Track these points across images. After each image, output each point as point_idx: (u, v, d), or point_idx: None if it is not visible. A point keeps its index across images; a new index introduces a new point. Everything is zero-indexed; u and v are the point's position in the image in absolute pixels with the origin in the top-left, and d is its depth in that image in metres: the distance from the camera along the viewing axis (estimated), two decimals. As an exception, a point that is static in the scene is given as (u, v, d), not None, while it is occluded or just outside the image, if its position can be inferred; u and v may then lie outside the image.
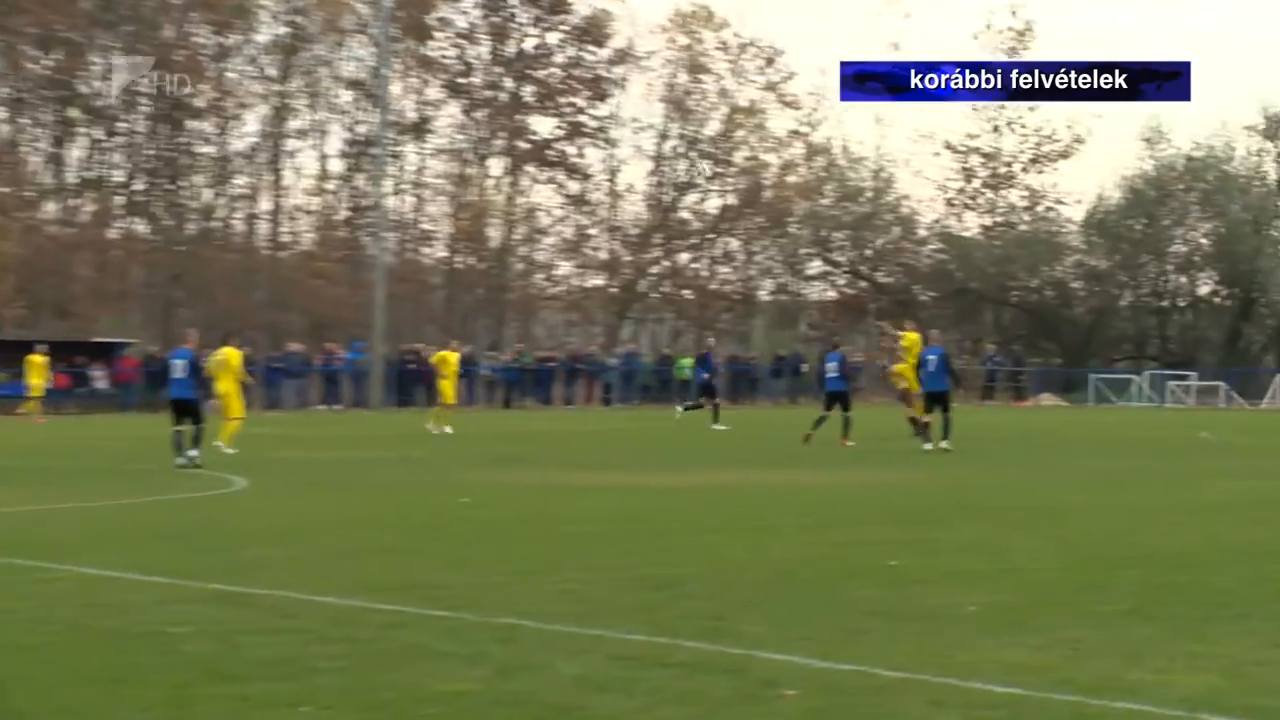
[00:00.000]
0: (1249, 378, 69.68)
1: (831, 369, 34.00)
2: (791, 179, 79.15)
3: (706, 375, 41.25)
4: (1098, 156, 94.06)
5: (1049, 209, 78.57)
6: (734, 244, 79.84)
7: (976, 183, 78.47)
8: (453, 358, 39.17)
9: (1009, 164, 78.01)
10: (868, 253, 79.39)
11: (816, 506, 19.65)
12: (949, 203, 78.91)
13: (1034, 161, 77.85)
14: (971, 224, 79.57)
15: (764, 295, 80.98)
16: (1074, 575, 13.32)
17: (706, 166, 77.67)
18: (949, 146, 77.85)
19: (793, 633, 10.60)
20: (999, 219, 78.80)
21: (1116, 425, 43.71)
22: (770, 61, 76.72)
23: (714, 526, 17.18)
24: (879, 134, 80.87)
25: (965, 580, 12.99)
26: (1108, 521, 17.72)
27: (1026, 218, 78.58)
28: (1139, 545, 15.43)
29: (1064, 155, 77.61)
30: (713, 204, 78.59)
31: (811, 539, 15.98)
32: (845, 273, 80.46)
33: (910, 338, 34.74)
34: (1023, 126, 77.26)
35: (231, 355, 29.70)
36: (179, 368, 27.63)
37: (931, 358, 32.10)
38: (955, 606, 11.65)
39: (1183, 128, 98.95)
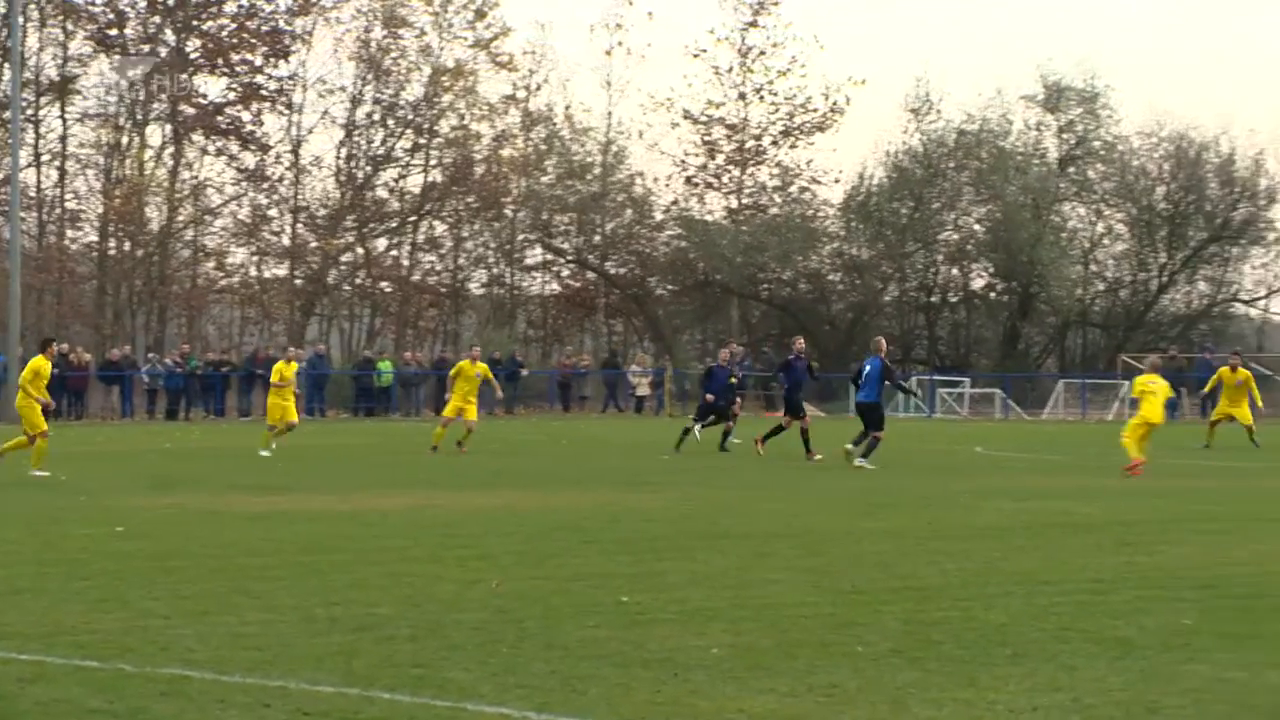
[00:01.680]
0: (1029, 384, 71.63)
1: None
2: (507, 153, 79.17)
3: (710, 396, 40.04)
4: (859, 130, 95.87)
5: (803, 190, 79.68)
6: (440, 228, 79.61)
7: (721, 159, 79.33)
8: (290, 370, 38.08)
9: (758, 137, 79.03)
10: (596, 239, 79.83)
11: (538, 533, 19.77)
12: (689, 182, 79.62)
13: (786, 135, 78.90)
14: (715, 207, 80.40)
15: (476, 288, 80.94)
16: (830, 612, 13.62)
17: (407, 137, 77.39)
18: (689, 116, 78.64)
19: (508, 681, 10.69)
20: (747, 201, 79.76)
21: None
22: (481, 15, 76.63)
23: (418, 557, 17.19)
24: (609, 100, 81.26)
25: (707, 618, 13.20)
26: (868, 550, 18.13)
27: (778, 199, 79.62)
28: (903, 577, 15.83)
29: (820, 128, 78.78)
30: (415, 181, 78.30)
31: (531, 571, 16.09)
32: (570, 262, 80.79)
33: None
34: (773, 94, 78.31)
35: None
36: None
37: (868, 368, 33.42)
38: (696, 649, 11.84)
39: (954, 97, 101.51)
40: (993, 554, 17.71)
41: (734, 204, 79.70)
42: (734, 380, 40.18)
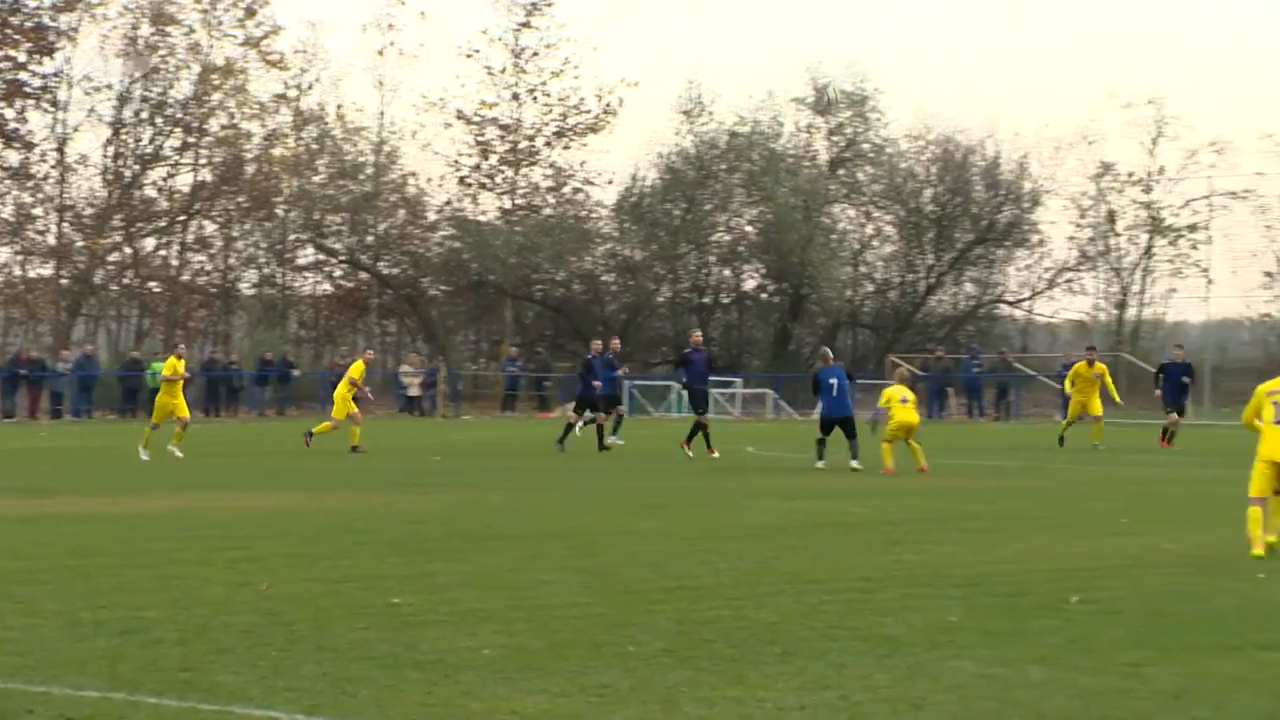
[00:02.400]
0: (800, 384, 72.32)
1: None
2: (278, 152, 78.45)
3: (597, 384, 39.56)
4: (632, 131, 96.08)
5: (577, 191, 79.90)
6: (210, 228, 78.69)
7: (494, 159, 79.26)
8: (181, 365, 36.57)
9: (531, 138, 79.07)
10: (369, 239, 79.38)
11: (309, 535, 19.62)
12: (463, 182, 79.44)
13: (559, 136, 79.05)
14: (489, 207, 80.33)
15: (246, 289, 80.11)
16: (602, 612, 13.66)
17: (176, 136, 76.36)
18: (462, 117, 78.47)
19: (278, 684, 10.61)
20: (520, 201, 79.78)
21: (652, 439, 44.77)
22: (251, 14, 75.86)
23: (187, 560, 16.99)
24: (381, 100, 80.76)
25: (479, 620, 13.20)
26: (641, 550, 18.22)
27: (552, 200, 79.74)
28: (675, 577, 15.92)
29: (593, 129, 79.02)
30: (184, 180, 77.30)
31: (302, 573, 15.97)
32: (343, 263, 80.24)
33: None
34: (546, 95, 78.40)
35: None
36: None
37: (833, 380, 33.53)
38: (468, 650, 11.83)
39: (726, 99, 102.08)
40: (764, 553, 17.87)
41: (508, 204, 79.70)
42: (623, 372, 40.84)
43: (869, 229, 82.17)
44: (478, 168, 79.20)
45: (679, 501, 24.84)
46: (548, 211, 79.30)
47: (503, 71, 77.99)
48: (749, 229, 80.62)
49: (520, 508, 23.83)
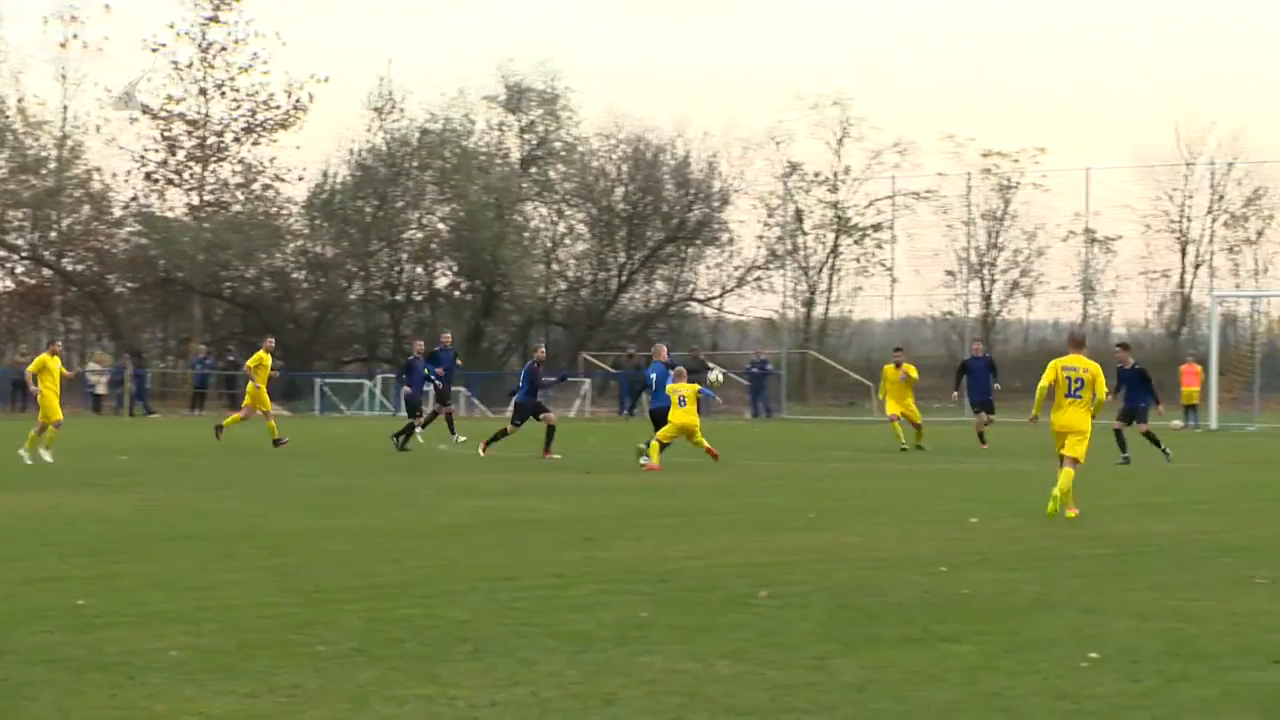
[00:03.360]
0: (493, 381, 72.40)
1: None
2: (-45, 146, 76.48)
3: (407, 389, 38.79)
4: (323, 127, 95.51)
5: (267, 187, 79.04)
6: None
7: (182, 155, 78.08)
8: (54, 363, 34.51)
9: (220, 134, 78.04)
10: (52, 236, 77.73)
11: (-12, 540, 19.14)
12: (149, 178, 78.14)
13: (249, 131, 78.13)
14: (177, 203, 79.14)
15: (-78, 285, 77.99)
16: (292, 612, 13.53)
17: None
18: (148, 111, 77.19)
19: (-44, 692, 10.35)
20: (209, 198, 78.71)
21: (346, 437, 44.55)
22: (-72, 2, 73.95)
23: None
24: (64, 94, 79.05)
25: (165, 621, 12.99)
26: (331, 549, 18.09)
27: (241, 197, 78.80)
28: (366, 575, 15.84)
29: (284, 125, 78.25)
30: None
31: (-19, 579, 15.59)
32: (25, 259, 78.49)
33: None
34: (235, 91, 77.43)
35: None
36: None
37: (654, 375, 34.41)
38: (154, 651, 11.64)
39: (418, 97, 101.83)
40: (455, 551, 17.85)
41: (196, 201, 78.57)
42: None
43: (561, 227, 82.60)
44: (165, 163, 77.96)
45: (370, 500, 24.70)
46: (237, 208, 78.37)
47: (190, 66, 76.90)
48: (441, 226, 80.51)
49: (209, 507, 23.50)
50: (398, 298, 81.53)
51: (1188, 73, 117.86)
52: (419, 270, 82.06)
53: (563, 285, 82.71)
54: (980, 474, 31.58)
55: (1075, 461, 21.65)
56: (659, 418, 33.75)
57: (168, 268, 76.87)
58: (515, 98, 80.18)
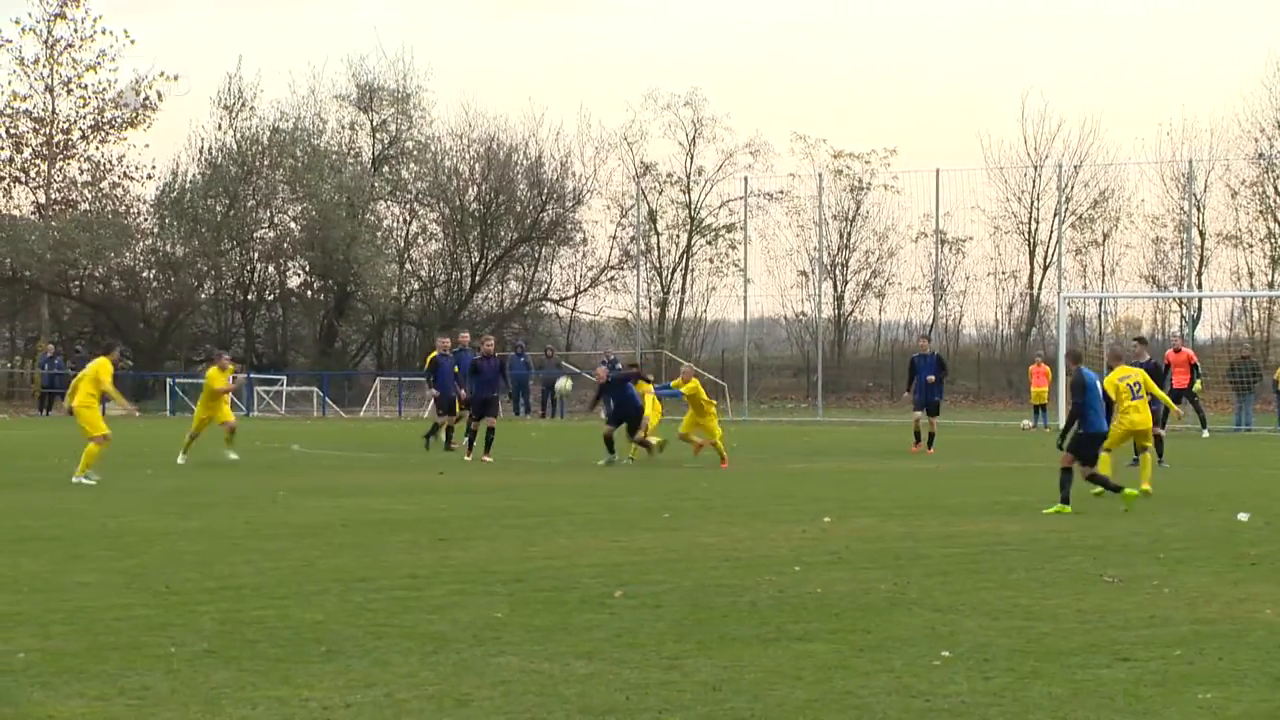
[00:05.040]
0: (346, 381, 72.09)
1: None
2: None
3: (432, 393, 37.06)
4: (173, 125, 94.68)
5: (115, 185, 78.22)
6: None
7: (28, 152, 77.12)
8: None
9: (67, 131, 77.14)
10: (-107, 233, 76.59)
11: None
12: (-5, 176, 77.15)
13: (97, 129, 77.30)
14: (23, 201, 78.19)
15: None
16: (144, 614, 13.41)
17: None
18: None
19: None
20: (56, 196, 77.80)
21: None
22: None
23: None
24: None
25: (15, 624, 12.84)
26: (184, 550, 17.94)
27: (89, 195, 77.95)
28: (219, 577, 15.72)
29: (132, 123, 77.48)
30: None
31: None
32: None
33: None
34: (83, 88, 76.58)
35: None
36: None
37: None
38: (2, 655, 11.51)
39: (269, 95, 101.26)
40: (311, 552, 17.75)
41: (43, 199, 77.62)
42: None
43: (414, 226, 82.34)
44: (10, 161, 77.00)
45: (222, 501, 24.51)
46: (85, 207, 77.49)
47: (36, 63, 75.97)
48: (293, 225, 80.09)
49: (59, 508, 23.21)
50: (249, 297, 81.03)
51: (1036, 74, 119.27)
52: (271, 269, 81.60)
53: (416, 285, 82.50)
54: (834, 473, 31.79)
55: (1146, 448, 26.13)
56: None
57: (14, 266, 75.91)
58: (367, 96, 79.93)
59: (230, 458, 33.27)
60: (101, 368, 29.01)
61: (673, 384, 34.65)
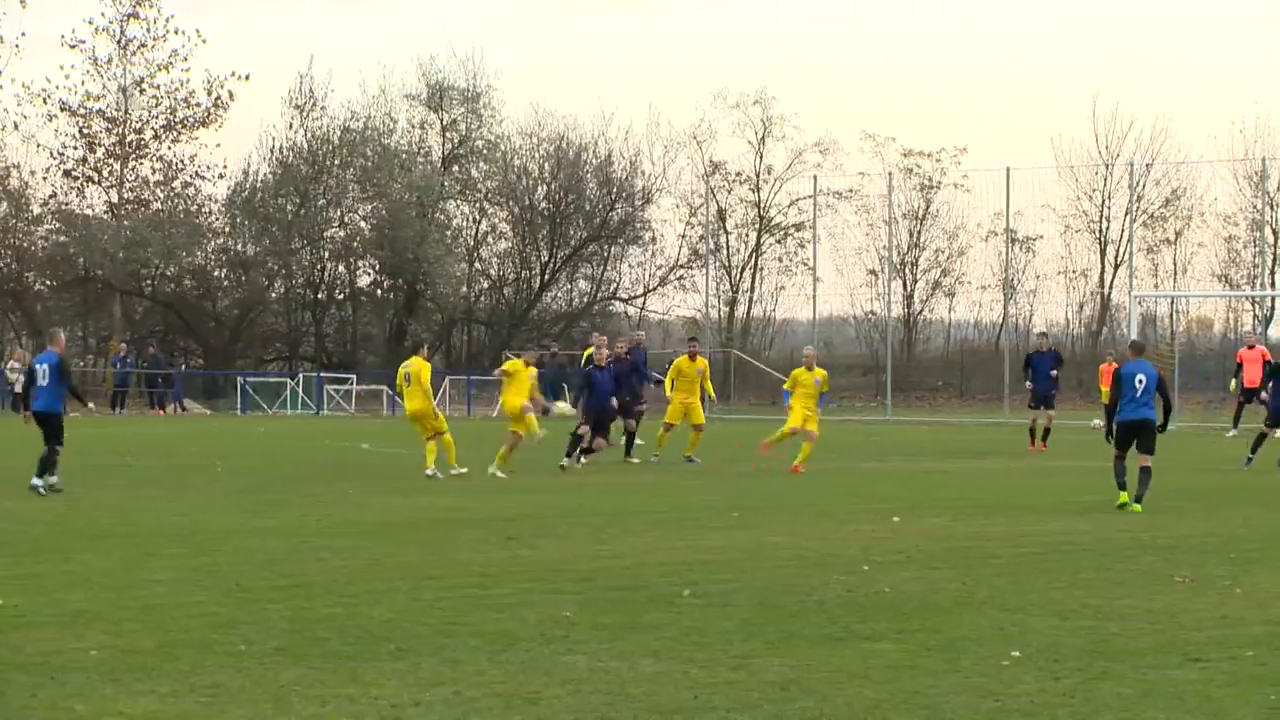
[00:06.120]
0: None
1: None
2: None
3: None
4: (244, 125, 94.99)
5: (187, 185, 78.57)
6: None
7: (101, 152, 77.54)
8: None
9: (139, 131, 77.53)
10: (-31, 233, 77.10)
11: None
12: (68, 175, 77.59)
13: (169, 129, 77.64)
14: (96, 201, 78.60)
15: None
16: (215, 611, 13.49)
17: None
18: (66, 108, 76.62)
19: (-126, 693, 10.26)
20: (129, 195, 78.21)
21: (268, 437, 44.36)
22: None
23: None
24: (-20, 89, 78.81)
25: (86, 620, 12.93)
26: (256, 548, 18.03)
27: (161, 194, 78.31)
28: (289, 575, 15.79)
29: (204, 123, 77.77)
30: None
31: (-101, 579, 15.46)
32: (-58, 256, 77.86)
33: None
34: (155, 88, 76.94)
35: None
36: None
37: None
38: (75, 651, 11.59)
39: (339, 95, 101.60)
40: (379, 550, 17.81)
41: (115, 198, 78.03)
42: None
43: (484, 225, 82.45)
44: (84, 160, 77.40)
45: (293, 499, 24.61)
46: (157, 206, 77.86)
47: (109, 63, 76.38)
48: (363, 224, 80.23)
49: (131, 506, 23.37)
50: (319, 296, 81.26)
51: (1107, 73, 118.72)
52: (341, 269, 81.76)
53: (485, 284, 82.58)
54: (903, 473, 31.70)
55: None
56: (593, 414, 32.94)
57: (87, 265, 76.36)
58: (437, 96, 80.00)
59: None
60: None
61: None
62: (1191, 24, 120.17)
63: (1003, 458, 36.02)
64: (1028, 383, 40.54)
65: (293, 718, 9.79)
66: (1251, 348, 46.45)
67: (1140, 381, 23.59)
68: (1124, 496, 23.07)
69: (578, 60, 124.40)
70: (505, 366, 31.91)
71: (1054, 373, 40.14)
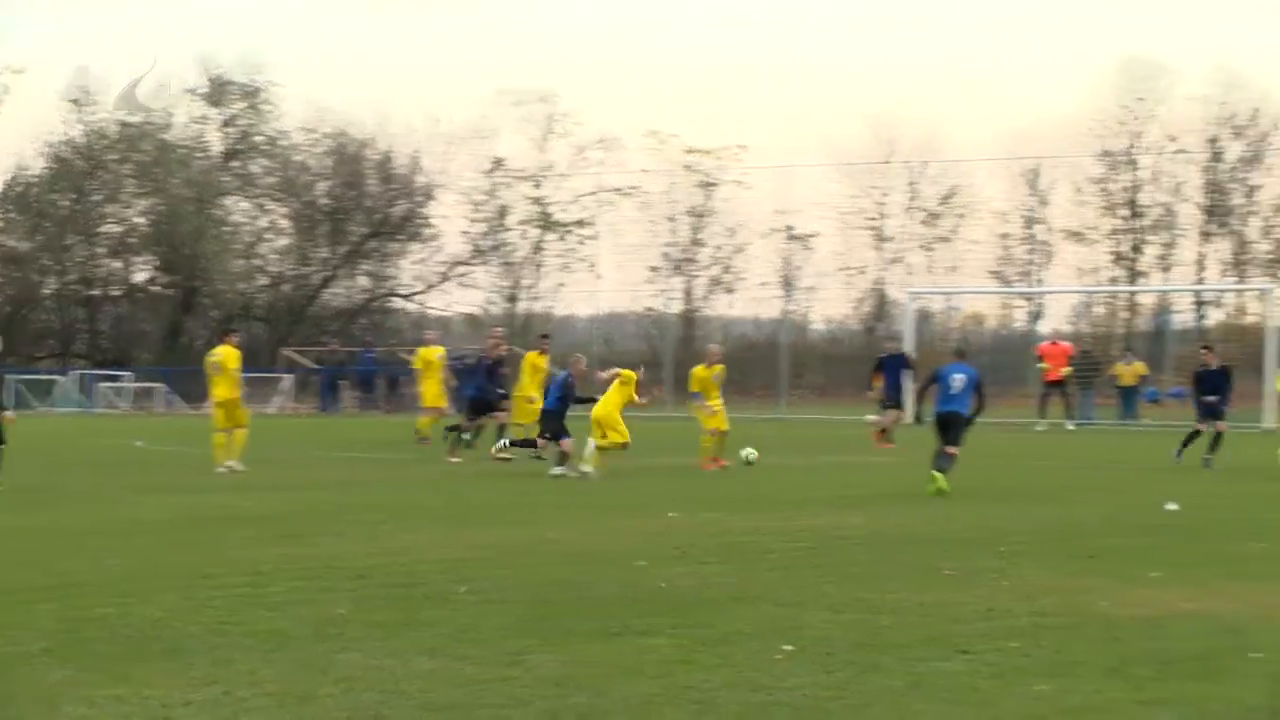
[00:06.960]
0: (192, 377, 71.29)
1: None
2: None
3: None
4: (18, 119, 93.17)
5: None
6: None
7: None
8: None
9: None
10: None
11: None
12: None
13: (-62, 122, 76.21)
14: None
15: None
16: (-20, 612, 13.24)
17: None
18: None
19: None
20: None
21: (40, 435, 43.58)
22: None
23: None
24: None
25: None
26: (22, 547, 17.74)
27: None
28: (58, 574, 15.52)
29: (-26, 116, 76.46)
30: None
31: None
32: None
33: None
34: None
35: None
36: None
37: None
38: None
39: (117, 89, 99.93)
40: (152, 549, 17.58)
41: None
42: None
43: (263, 221, 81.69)
44: None
45: (64, 498, 24.22)
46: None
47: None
48: (140, 220, 79.23)
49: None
50: (94, 292, 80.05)
51: (883, 72, 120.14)
52: (117, 264, 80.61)
53: (264, 280, 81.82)
54: (679, 469, 31.85)
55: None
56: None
57: None
58: (217, 90, 79.18)
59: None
60: None
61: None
62: (962, 30, 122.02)
63: (778, 453, 36.30)
64: (870, 390, 40.23)
65: (60, 719, 9.62)
66: (1055, 344, 47.65)
67: (958, 381, 26.09)
68: (938, 481, 24.79)
69: (358, 56, 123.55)
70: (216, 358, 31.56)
71: (905, 371, 39.76)
